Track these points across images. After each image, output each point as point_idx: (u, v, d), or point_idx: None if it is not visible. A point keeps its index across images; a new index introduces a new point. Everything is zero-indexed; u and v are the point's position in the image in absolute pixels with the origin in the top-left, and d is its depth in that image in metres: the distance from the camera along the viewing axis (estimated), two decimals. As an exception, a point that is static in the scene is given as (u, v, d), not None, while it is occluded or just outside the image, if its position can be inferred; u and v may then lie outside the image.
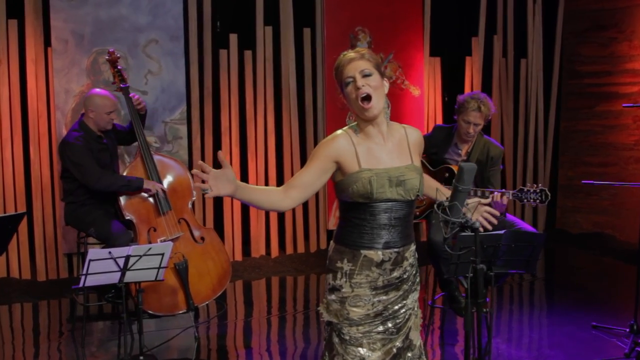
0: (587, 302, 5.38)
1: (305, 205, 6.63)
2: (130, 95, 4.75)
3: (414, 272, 2.62)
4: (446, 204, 2.21)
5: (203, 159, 6.28)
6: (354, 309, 2.51)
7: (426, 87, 7.05)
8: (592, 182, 4.49)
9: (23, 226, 5.71)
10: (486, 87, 7.26)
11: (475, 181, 4.48)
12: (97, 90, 4.84)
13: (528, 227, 4.34)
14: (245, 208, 6.49)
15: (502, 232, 3.59)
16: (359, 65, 2.46)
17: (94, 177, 4.52)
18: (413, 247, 2.61)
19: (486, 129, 7.26)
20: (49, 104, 5.74)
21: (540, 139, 7.62)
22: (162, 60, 6.01)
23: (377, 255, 2.50)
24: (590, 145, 7.49)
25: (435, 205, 2.30)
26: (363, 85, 2.43)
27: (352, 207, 2.49)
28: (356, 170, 2.45)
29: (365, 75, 2.44)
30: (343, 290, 2.52)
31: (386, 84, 2.52)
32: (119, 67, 4.75)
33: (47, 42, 5.70)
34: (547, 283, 6.20)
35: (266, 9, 6.41)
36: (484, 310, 4.25)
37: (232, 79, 6.33)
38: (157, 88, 6.01)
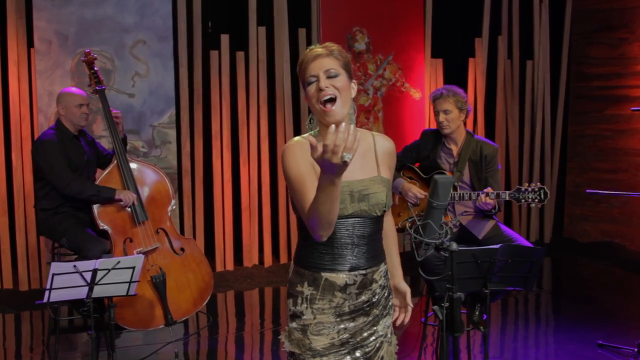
0: (594, 316, 5.15)
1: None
2: (112, 110, 4.56)
3: (385, 294, 2.35)
4: (419, 222, 1.93)
5: (193, 164, 6.11)
6: (317, 337, 2.25)
7: (427, 90, 6.84)
8: (596, 191, 4.23)
9: (5, 234, 5.58)
10: (490, 90, 7.10)
11: (472, 183, 4.28)
12: (67, 87, 4.70)
13: (526, 243, 4.11)
14: (237, 214, 6.30)
15: (497, 246, 3.35)
16: (325, 63, 2.20)
17: (64, 180, 4.34)
18: (383, 267, 2.34)
19: (490, 134, 7.16)
20: (32, 107, 5.58)
21: (547, 144, 7.42)
22: (150, 62, 5.83)
23: (340, 278, 2.24)
24: (599, 150, 7.31)
25: (407, 225, 2.03)
26: (327, 87, 2.17)
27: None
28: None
29: (331, 76, 2.19)
30: (304, 317, 2.26)
31: (354, 87, 2.27)
32: (95, 69, 4.57)
33: (30, 43, 5.54)
34: (554, 295, 5.99)
35: (259, 8, 6.22)
36: (481, 329, 4.02)
37: (223, 81, 6.14)
38: (145, 91, 5.83)
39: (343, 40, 6.37)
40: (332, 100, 2.18)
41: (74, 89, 4.63)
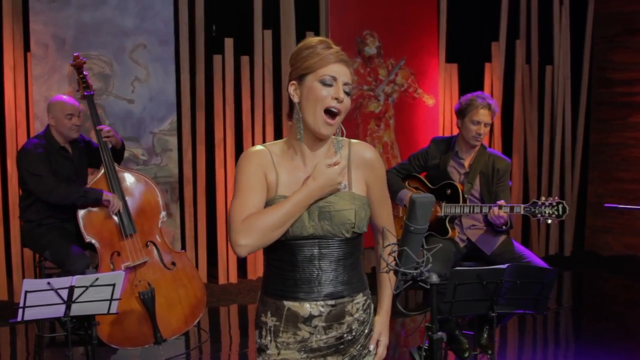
0: (615, 336, 4.90)
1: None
2: (99, 127, 4.34)
3: (365, 331, 2.07)
4: (395, 248, 1.67)
5: (195, 173, 5.93)
6: None
7: (441, 97, 6.62)
8: (614, 205, 3.95)
9: (0, 244, 5.43)
10: (508, 96, 6.87)
11: (481, 197, 4.05)
12: (58, 95, 4.51)
13: (539, 262, 3.84)
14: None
15: (504, 266, 3.09)
16: (346, 75, 1.98)
17: (47, 187, 4.15)
18: (360, 298, 2.06)
19: (507, 142, 6.92)
20: (28, 113, 5.43)
21: (568, 153, 7.20)
22: (151, 67, 5.66)
23: (303, 308, 1.98)
24: (623, 159, 7.11)
25: (381, 251, 1.77)
26: (342, 101, 1.96)
27: (270, 246, 1.98)
28: (270, 198, 1.98)
29: (345, 92, 1.98)
30: (269, 351, 2.02)
31: None
32: (84, 73, 4.39)
33: (26, 47, 5.40)
34: (573, 312, 5.73)
35: (265, 11, 6.04)
36: (489, 353, 3.75)
37: (227, 87, 5.96)
38: (145, 96, 5.66)
39: (353, 44, 6.15)
40: (336, 115, 1.97)
41: (65, 97, 4.42)
